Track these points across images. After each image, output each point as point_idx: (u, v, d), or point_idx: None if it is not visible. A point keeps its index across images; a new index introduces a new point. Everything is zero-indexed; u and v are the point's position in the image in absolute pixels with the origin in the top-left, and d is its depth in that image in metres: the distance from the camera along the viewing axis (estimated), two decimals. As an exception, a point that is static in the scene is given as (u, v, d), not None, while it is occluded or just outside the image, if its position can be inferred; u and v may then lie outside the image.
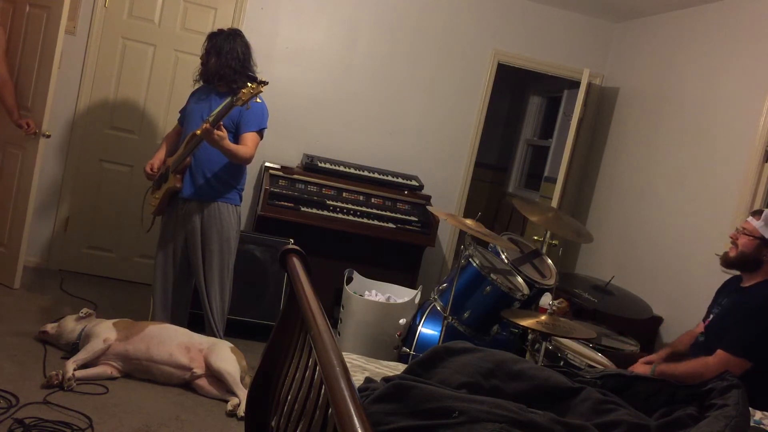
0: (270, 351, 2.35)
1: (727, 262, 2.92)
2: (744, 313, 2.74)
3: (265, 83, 3.26)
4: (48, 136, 4.14)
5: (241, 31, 3.66)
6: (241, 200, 3.69)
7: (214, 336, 3.61)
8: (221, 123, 3.35)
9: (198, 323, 3.71)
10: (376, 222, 4.58)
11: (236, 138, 3.52)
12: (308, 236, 4.35)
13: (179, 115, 3.84)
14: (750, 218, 2.84)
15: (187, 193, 3.55)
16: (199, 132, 3.31)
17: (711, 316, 3.00)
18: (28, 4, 4.28)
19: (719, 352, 2.69)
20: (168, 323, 3.52)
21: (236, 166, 3.58)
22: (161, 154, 3.74)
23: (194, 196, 3.56)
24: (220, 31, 3.63)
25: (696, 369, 2.71)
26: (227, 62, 3.51)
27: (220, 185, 3.57)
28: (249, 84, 3.24)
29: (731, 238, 2.90)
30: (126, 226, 4.81)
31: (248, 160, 3.54)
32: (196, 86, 3.74)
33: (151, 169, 3.66)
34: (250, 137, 3.52)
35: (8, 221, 4.28)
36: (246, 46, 3.60)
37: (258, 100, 3.42)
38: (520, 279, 3.82)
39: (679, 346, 3.13)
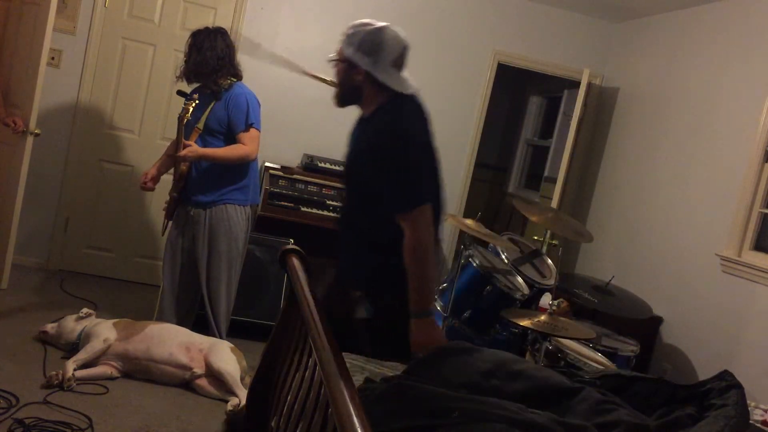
0: (270, 351, 2.35)
1: (337, 100, 2.46)
2: (384, 159, 2.23)
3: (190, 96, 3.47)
4: (37, 134, 4.10)
5: (225, 30, 3.63)
6: (252, 198, 3.69)
7: (216, 337, 3.61)
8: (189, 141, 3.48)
9: (203, 324, 3.72)
10: (376, 222, 4.58)
11: (232, 140, 3.52)
12: (308, 236, 4.34)
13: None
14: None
15: (192, 199, 3.57)
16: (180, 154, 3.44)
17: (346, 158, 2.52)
18: (22, 0, 4.27)
19: (404, 218, 2.18)
20: (173, 324, 3.53)
21: (237, 165, 3.57)
22: (158, 163, 3.76)
23: (200, 203, 3.57)
24: (204, 29, 3.58)
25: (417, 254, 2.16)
26: (206, 60, 3.47)
27: (224, 187, 3.57)
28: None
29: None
30: (126, 226, 4.81)
31: (246, 157, 3.53)
32: (179, 84, 3.71)
33: (144, 181, 3.66)
34: (244, 137, 3.50)
35: (-4, 220, 4.26)
36: (228, 46, 3.56)
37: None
38: (520, 279, 3.83)
39: None
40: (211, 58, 3.47)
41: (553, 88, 6.53)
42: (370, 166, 2.27)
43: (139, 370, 3.29)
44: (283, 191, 4.47)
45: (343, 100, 2.44)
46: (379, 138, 2.27)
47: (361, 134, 2.40)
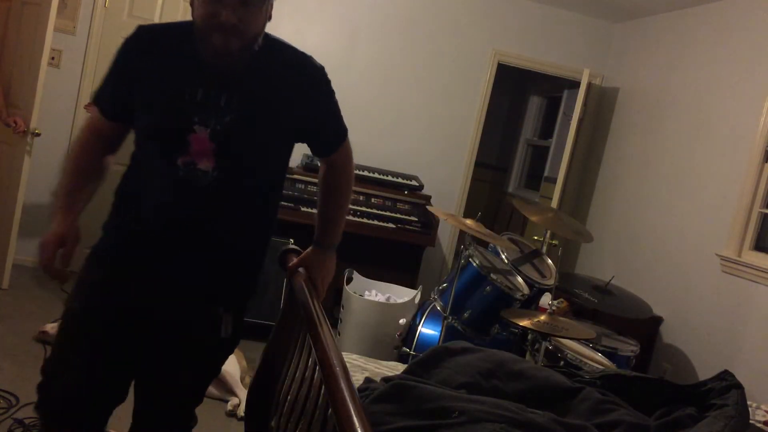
0: (270, 351, 2.36)
1: (243, 54, 1.76)
2: (322, 94, 1.96)
3: None
4: (38, 135, 4.10)
5: None
6: None
7: None
8: None
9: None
10: (376, 222, 4.58)
11: None
12: (308, 236, 4.33)
13: None
14: None
15: None
16: None
17: (218, 124, 1.76)
18: (22, 1, 4.27)
19: (342, 147, 2.00)
20: None
21: None
22: None
23: None
24: None
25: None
26: None
27: None
28: None
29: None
30: (126, 226, 4.81)
31: None
32: None
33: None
34: None
35: (-3, 220, 4.25)
36: None
37: None
38: (520, 279, 3.82)
39: None
40: None
41: (553, 88, 6.53)
42: (299, 108, 1.88)
43: (139, 370, 3.28)
44: (283, 191, 4.47)
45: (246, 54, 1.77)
46: (304, 73, 1.93)
47: (260, 81, 1.82)
